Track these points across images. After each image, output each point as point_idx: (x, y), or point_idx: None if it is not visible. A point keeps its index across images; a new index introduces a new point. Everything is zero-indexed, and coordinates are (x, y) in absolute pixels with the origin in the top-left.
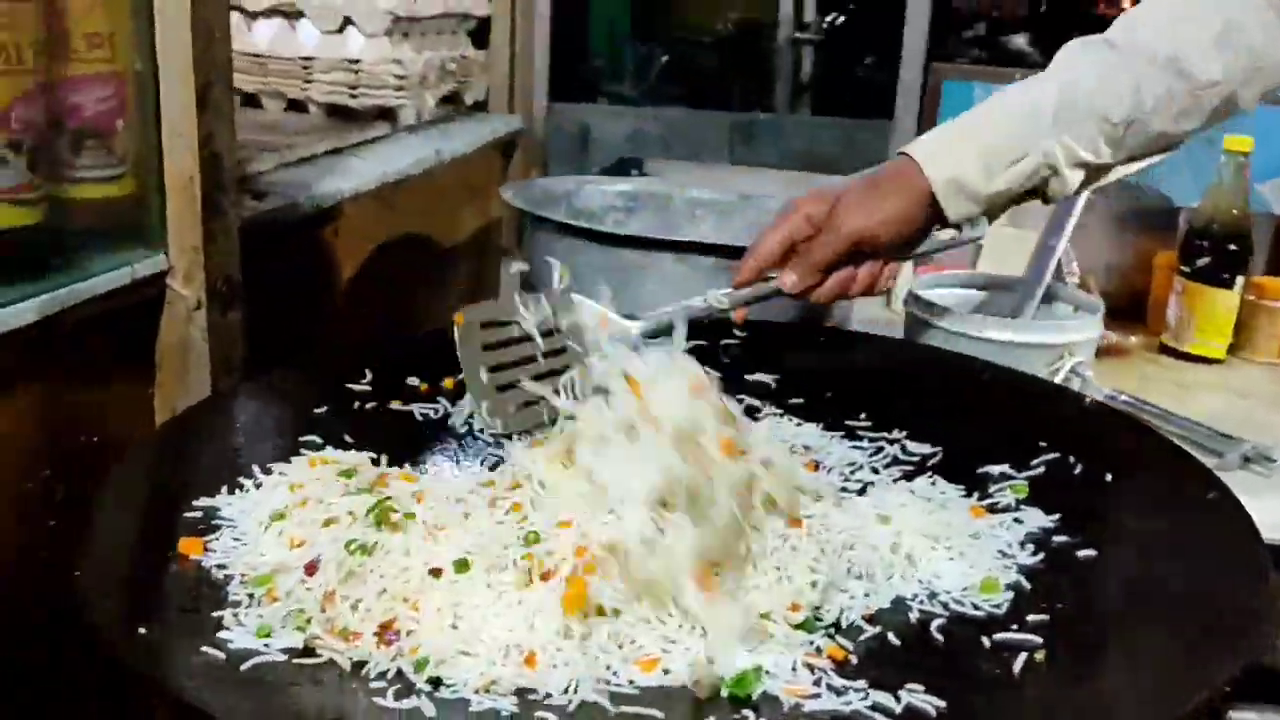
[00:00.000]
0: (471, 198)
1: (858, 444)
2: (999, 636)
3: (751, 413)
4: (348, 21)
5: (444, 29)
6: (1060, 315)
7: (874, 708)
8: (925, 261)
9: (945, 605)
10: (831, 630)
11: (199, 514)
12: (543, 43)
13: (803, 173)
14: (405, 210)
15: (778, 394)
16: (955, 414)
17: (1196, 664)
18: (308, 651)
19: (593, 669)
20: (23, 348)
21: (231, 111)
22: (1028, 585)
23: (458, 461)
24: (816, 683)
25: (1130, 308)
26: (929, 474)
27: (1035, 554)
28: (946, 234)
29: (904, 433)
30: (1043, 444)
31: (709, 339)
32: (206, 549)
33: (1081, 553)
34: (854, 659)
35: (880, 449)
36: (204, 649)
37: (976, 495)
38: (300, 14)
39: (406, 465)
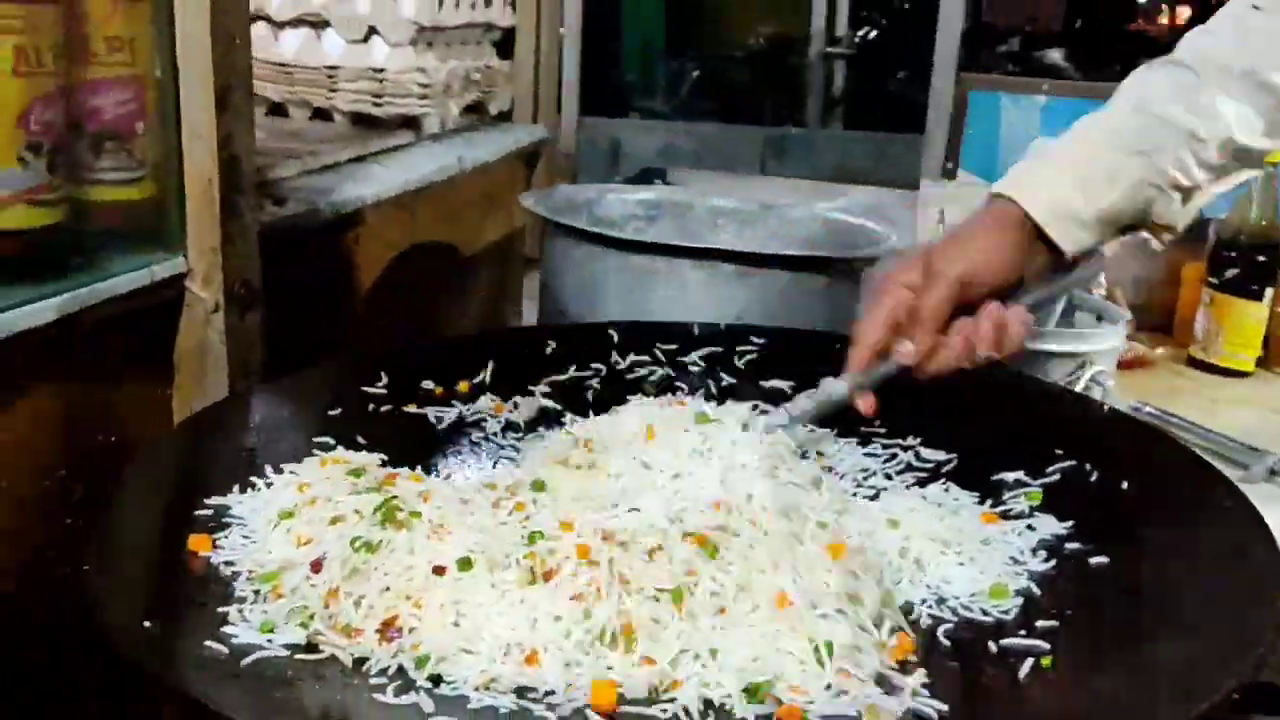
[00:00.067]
0: (494, 207)
1: (872, 450)
2: (1006, 642)
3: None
4: (373, 31)
5: (468, 39)
6: (1082, 324)
7: (876, 710)
8: (1043, 309)
9: (954, 610)
10: None
11: (210, 512)
12: (573, 56)
13: (830, 183)
14: (427, 218)
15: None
16: (971, 421)
17: (1203, 674)
18: (310, 647)
19: (593, 669)
20: (41, 347)
21: (251, 115)
22: (1038, 591)
23: (468, 464)
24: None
25: (1159, 320)
26: (942, 480)
27: (1047, 560)
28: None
29: (919, 439)
30: (1059, 451)
31: (724, 346)
32: (215, 546)
33: (1094, 560)
34: None
35: (894, 455)
36: (207, 644)
37: (990, 502)
38: (326, 24)
39: (418, 468)
